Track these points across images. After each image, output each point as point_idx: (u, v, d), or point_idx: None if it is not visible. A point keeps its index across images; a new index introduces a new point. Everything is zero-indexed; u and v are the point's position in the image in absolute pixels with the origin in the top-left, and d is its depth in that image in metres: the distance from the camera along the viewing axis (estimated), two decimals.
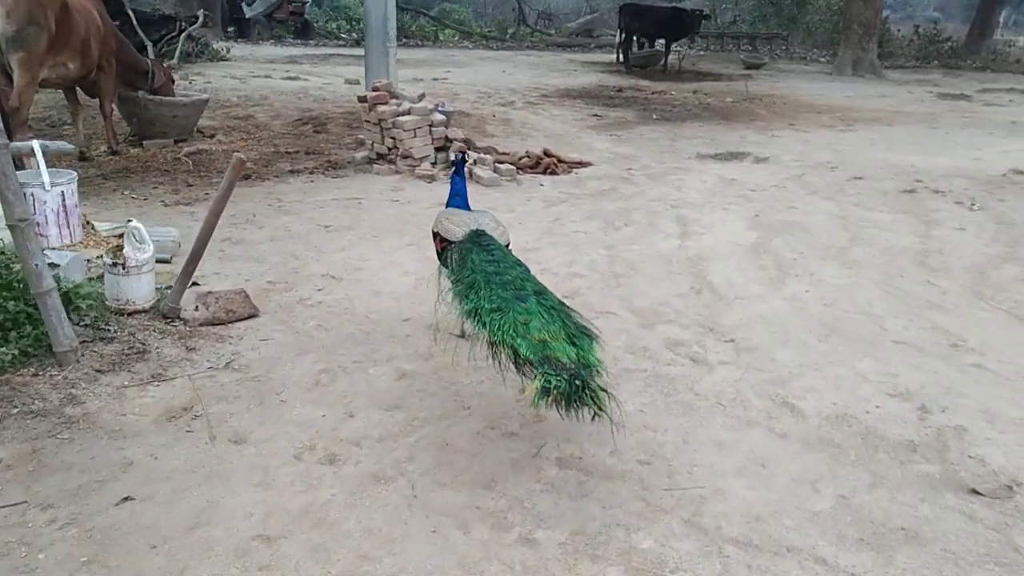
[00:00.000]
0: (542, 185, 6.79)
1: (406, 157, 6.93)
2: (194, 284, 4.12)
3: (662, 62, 17.25)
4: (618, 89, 13.93)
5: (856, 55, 18.21)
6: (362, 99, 7.11)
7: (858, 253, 5.04)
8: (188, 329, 3.58)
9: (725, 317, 3.98)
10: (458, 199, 3.73)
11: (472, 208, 3.71)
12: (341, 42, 23.91)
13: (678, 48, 18.59)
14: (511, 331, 2.56)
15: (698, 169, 7.53)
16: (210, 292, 3.83)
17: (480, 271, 2.93)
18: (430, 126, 6.98)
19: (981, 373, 3.44)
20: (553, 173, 7.16)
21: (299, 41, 23.50)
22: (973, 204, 6.16)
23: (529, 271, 3.05)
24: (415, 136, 6.89)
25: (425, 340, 3.61)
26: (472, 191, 6.15)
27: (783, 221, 5.72)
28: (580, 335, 2.62)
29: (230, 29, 24.62)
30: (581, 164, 7.57)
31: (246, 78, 13.05)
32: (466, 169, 6.75)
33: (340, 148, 8.04)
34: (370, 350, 3.49)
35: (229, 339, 3.54)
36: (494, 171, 7.00)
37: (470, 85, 13.68)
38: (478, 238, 3.22)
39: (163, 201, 5.93)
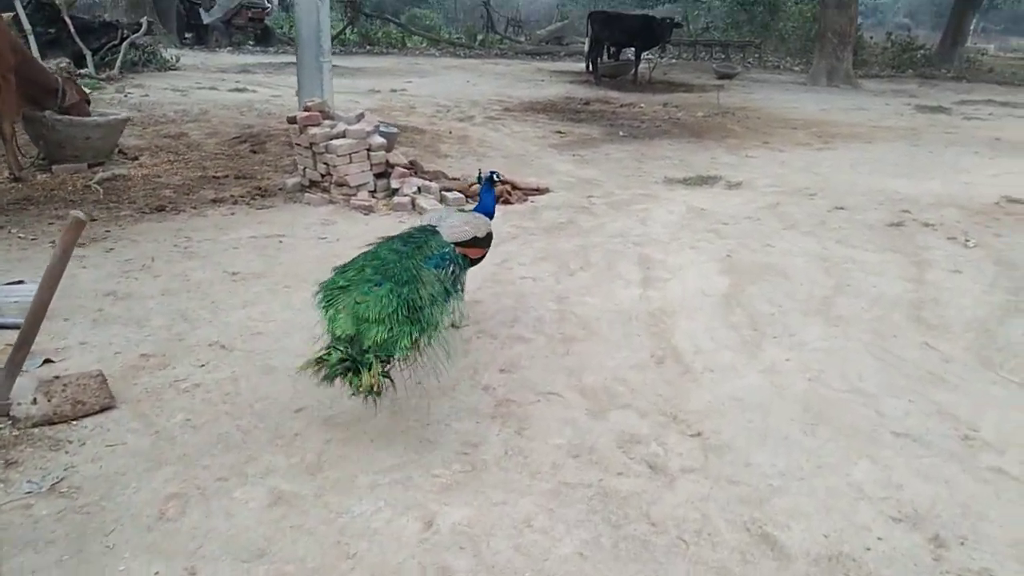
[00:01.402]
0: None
1: (341, 185, 6.20)
2: (47, 362, 3.38)
3: (632, 72, 16.67)
4: (585, 102, 13.30)
5: (831, 65, 17.76)
6: (292, 120, 6.37)
7: (844, 305, 4.40)
8: (15, 433, 2.83)
9: (692, 398, 3.30)
10: (480, 206, 4.03)
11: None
12: None
13: (649, 57, 18.04)
14: (338, 309, 2.86)
15: (665, 196, 6.88)
16: (57, 377, 3.08)
17: (371, 254, 3.24)
18: (368, 150, 6.26)
19: (1003, 481, 2.79)
20: (506, 202, 6.47)
21: (258, 48, 22.67)
22: (968, 240, 5.55)
23: (427, 261, 3.22)
24: (351, 162, 6.17)
25: (318, 441, 2.89)
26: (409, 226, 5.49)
27: (758, 263, 5.07)
28: (406, 322, 2.81)
29: (187, 36, 23.73)
30: (538, 191, 6.88)
31: (189, 90, 12.23)
32: (409, 199, 6.08)
33: (275, 171, 7.30)
34: (244, 459, 2.77)
35: (67, 445, 2.80)
36: (440, 200, 6.30)
37: (430, 97, 12.97)
38: (414, 231, 3.53)
39: (53, 241, 5.15)
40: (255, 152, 8.25)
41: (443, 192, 6.37)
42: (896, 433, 3.08)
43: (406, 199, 6.13)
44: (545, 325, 4.03)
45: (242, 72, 15.72)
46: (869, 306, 4.40)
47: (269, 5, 25.85)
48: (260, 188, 6.69)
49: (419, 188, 6.32)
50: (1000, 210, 6.37)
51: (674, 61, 23.02)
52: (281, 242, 5.27)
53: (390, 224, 5.77)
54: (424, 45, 25.80)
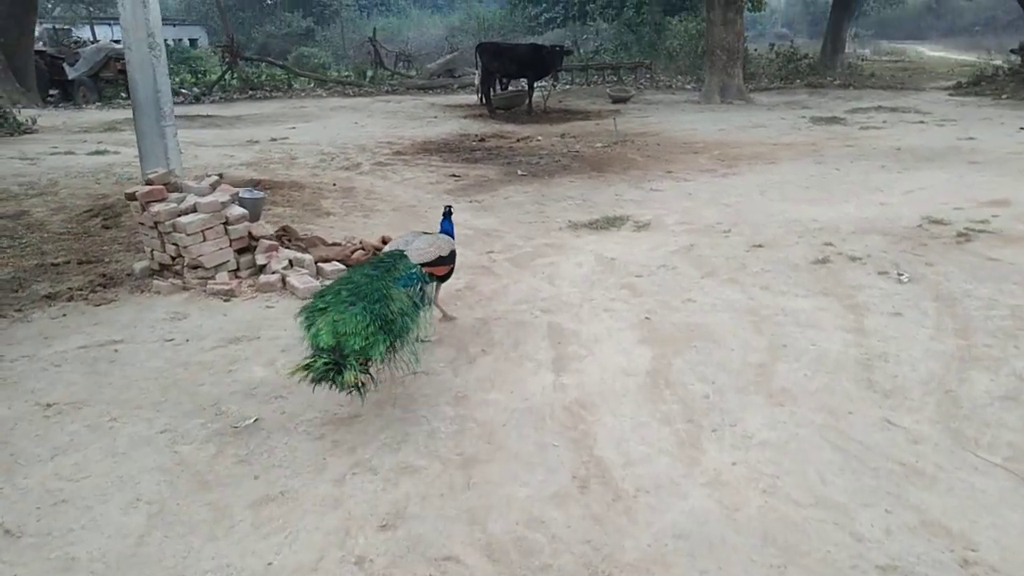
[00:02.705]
0: None
1: (195, 268, 5.30)
2: None
3: (526, 102, 16.19)
4: (480, 139, 12.69)
5: (722, 81, 17.79)
6: (131, 196, 5.44)
7: (784, 374, 3.80)
8: None
9: (627, 543, 2.59)
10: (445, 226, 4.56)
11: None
12: (179, 99, 21.75)
13: (542, 85, 17.64)
14: (320, 325, 3.27)
15: (572, 245, 6.24)
16: None
17: (345, 280, 3.66)
18: (225, 224, 5.39)
19: None
20: None
21: (129, 102, 21.19)
22: (901, 275, 5.10)
23: (399, 284, 3.63)
24: (204, 240, 5.28)
25: None
26: (279, 313, 4.70)
27: (681, 325, 4.45)
28: (384, 328, 3.31)
29: (52, 93, 22.11)
30: None
31: (41, 157, 11.00)
32: (279, 277, 5.25)
33: (128, 251, 6.33)
34: None
35: None
36: (317, 275, 5.48)
37: (313, 145, 12.11)
38: (384, 256, 3.96)
39: None
40: (107, 228, 7.23)
41: (319, 264, 5.55)
42: (882, 567, 2.44)
43: (274, 277, 5.28)
44: (440, 443, 3.26)
45: (107, 130, 14.48)
46: (812, 372, 3.82)
47: None
48: (105, 276, 5.71)
49: (290, 262, 5.47)
50: (924, 233, 5.99)
51: (568, 87, 22.80)
52: (117, 351, 4.33)
53: (255, 310, 4.91)
54: (311, 86, 24.83)
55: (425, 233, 4.31)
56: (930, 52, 40.43)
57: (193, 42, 46.47)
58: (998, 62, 21.01)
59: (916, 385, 3.67)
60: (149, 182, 5.47)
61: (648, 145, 11.33)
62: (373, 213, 7.64)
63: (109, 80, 21.80)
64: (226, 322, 4.74)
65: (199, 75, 25.97)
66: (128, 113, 18.39)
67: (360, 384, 3.18)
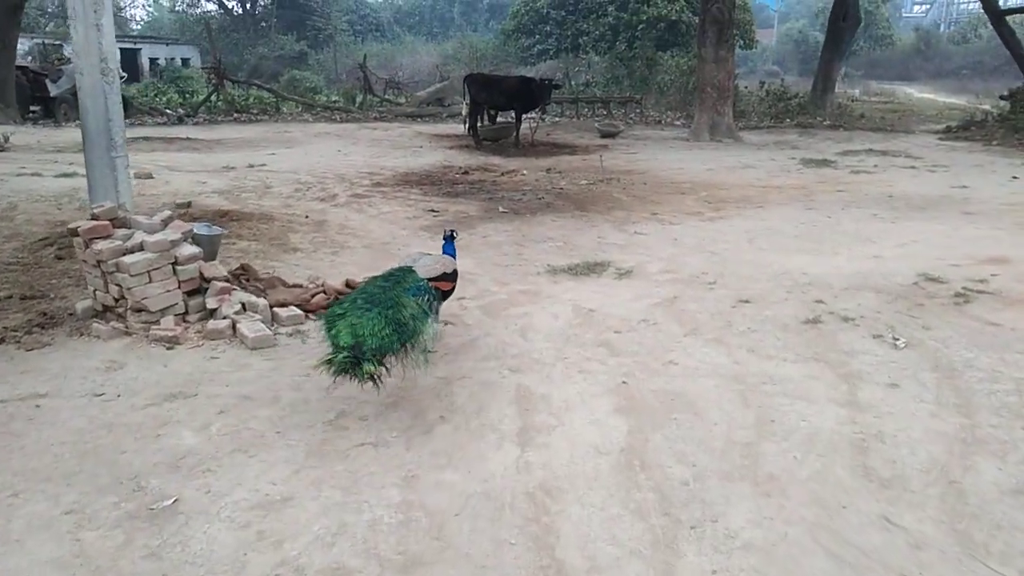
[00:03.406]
0: None
1: (139, 311, 4.90)
2: None
3: (513, 135, 15.94)
4: (464, 171, 12.37)
5: (712, 119, 17.62)
6: (73, 232, 5.05)
7: (772, 456, 3.43)
8: None
9: None
10: (447, 249, 4.84)
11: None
12: (163, 120, 21.45)
13: (531, 117, 17.41)
14: (340, 326, 3.65)
15: (549, 293, 5.88)
16: None
17: (360, 290, 4.14)
18: (174, 264, 5.00)
19: None
20: None
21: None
22: (897, 339, 4.76)
23: (409, 293, 3.98)
24: (150, 281, 4.88)
25: None
26: (223, 365, 4.30)
27: (661, 392, 4.08)
28: (398, 331, 3.70)
29: (33, 109, 21.77)
30: None
31: (5, 178, 10.59)
32: (229, 323, 4.86)
33: (77, 285, 5.92)
34: None
35: None
36: (271, 320, 5.09)
37: (291, 173, 11.76)
38: (395, 270, 4.29)
39: None
40: (60, 259, 6.81)
41: (275, 309, 5.16)
42: None
43: (224, 323, 4.89)
44: (382, 537, 2.86)
45: (80, 151, 14.06)
46: (803, 454, 3.45)
47: (124, 74, 24.10)
48: (46, 315, 5.31)
49: (243, 306, 5.08)
50: (920, 292, 5.67)
51: (557, 119, 22.62)
52: (38, 407, 3.92)
53: (198, 361, 4.51)
54: (299, 110, 24.55)
55: (429, 254, 4.69)
56: (918, 94, 40.67)
57: (185, 61, 46.23)
58: (987, 107, 20.96)
59: (916, 473, 3.30)
60: (94, 216, 5.08)
61: (634, 184, 11.04)
62: (343, 250, 7.27)
63: None
64: (165, 374, 4.34)
65: (187, 95, 25.69)
66: None
67: (376, 376, 3.55)
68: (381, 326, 3.65)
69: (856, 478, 3.27)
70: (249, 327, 4.81)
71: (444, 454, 3.46)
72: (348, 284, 5.64)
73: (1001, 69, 45.78)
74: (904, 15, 75.19)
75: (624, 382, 4.21)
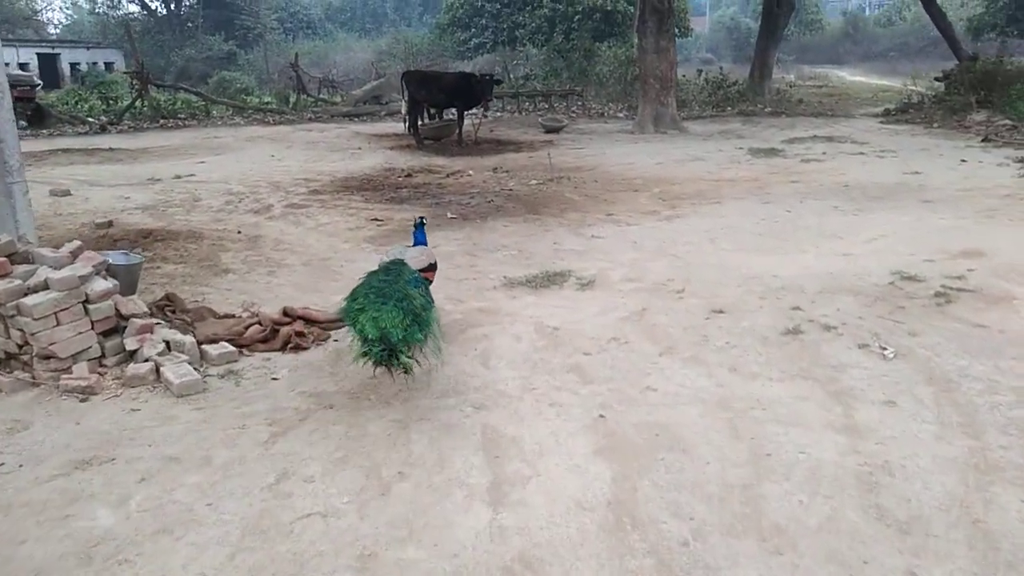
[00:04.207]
0: (275, 379, 4.40)
1: (47, 358, 4.30)
2: None
3: (456, 133, 15.43)
4: (407, 174, 11.84)
5: (656, 110, 17.40)
6: None
7: (777, 502, 3.05)
8: None
9: None
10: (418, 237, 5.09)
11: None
12: (84, 129, 20.30)
13: (474, 113, 16.93)
14: (363, 320, 3.83)
15: (508, 310, 5.44)
16: None
17: (367, 285, 4.19)
18: (85, 302, 4.40)
19: None
20: (298, 348, 4.79)
21: (28, 132, 19.63)
22: (884, 349, 4.45)
23: (411, 285, 4.16)
24: (58, 324, 4.28)
25: None
26: (145, 418, 3.76)
27: (643, 426, 3.68)
28: (416, 322, 3.85)
29: None
30: (343, 321, 5.23)
31: None
32: (151, 366, 4.30)
33: None
34: None
35: None
36: (200, 359, 4.53)
37: (221, 183, 11.07)
38: (390, 264, 4.49)
39: None
40: None
41: (203, 346, 4.61)
42: None
43: (146, 367, 4.32)
44: None
45: None
46: (808, 497, 3.08)
47: (40, 82, 22.82)
48: None
49: (167, 345, 4.51)
50: (899, 293, 5.40)
51: (500, 114, 22.17)
52: None
53: (117, 415, 3.94)
54: (229, 113, 23.56)
55: (409, 247, 4.93)
56: (850, 77, 41.40)
57: (109, 66, 44.35)
58: (921, 89, 21.25)
59: (935, 513, 2.96)
60: None
61: (585, 182, 10.66)
62: (280, 269, 6.70)
63: None
64: (76, 434, 3.76)
65: (110, 102, 24.44)
66: (26, 145, 16.92)
67: (410, 367, 3.81)
68: (400, 317, 3.79)
69: (871, 523, 2.91)
70: (174, 371, 4.25)
71: (404, 522, 2.99)
72: (285, 312, 5.11)
73: (926, 50, 47.01)
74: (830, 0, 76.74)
75: (601, 415, 3.79)
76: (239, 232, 7.98)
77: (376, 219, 8.63)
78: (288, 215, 8.89)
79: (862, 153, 12.60)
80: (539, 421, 3.77)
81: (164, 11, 49.36)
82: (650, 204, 9.05)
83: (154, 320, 4.69)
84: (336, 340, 4.94)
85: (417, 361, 3.86)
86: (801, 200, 8.78)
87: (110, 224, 8.28)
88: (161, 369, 4.31)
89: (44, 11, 53.28)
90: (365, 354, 3.77)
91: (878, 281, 5.65)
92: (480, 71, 19.56)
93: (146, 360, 4.42)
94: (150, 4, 49.53)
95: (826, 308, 5.15)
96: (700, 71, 29.52)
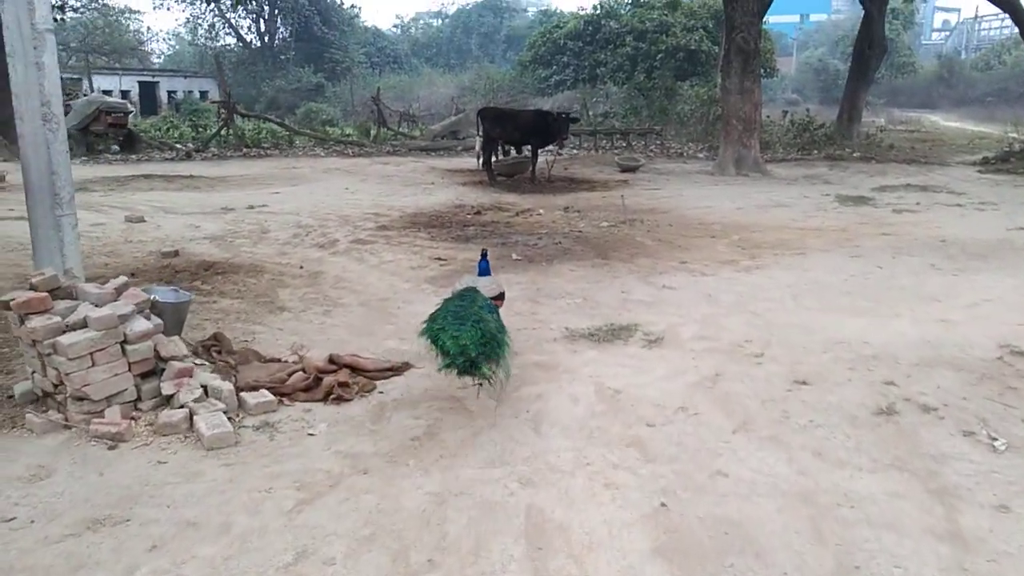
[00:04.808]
0: (311, 434, 4.11)
1: (80, 399, 4.12)
2: None
3: (529, 170, 15.21)
4: (476, 211, 11.61)
5: (738, 152, 16.82)
6: (5, 305, 4.30)
7: None
8: None
9: None
10: (482, 266, 5.22)
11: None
12: (172, 155, 20.96)
13: (549, 150, 16.68)
14: (444, 338, 4.17)
15: (567, 366, 5.05)
16: None
17: (446, 310, 4.48)
18: (123, 342, 4.23)
19: None
20: (340, 399, 4.50)
21: (119, 157, 20.41)
22: (995, 439, 3.88)
23: (485, 310, 4.46)
24: (93, 364, 4.11)
25: None
26: (171, 472, 3.50)
27: (711, 520, 3.22)
28: (492, 342, 4.18)
29: None
30: (393, 370, 4.95)
31: None
32: (185, 415, 4.08)
33: (21, 358, 5.15)
34: None
35: None
36: (238, 407, 4.29)
37: (292, 215, 11.07)
38: (464, 291, 4.75)
39: None
40: (24, 320, 6.06)
41: (242, 394, 4.36)
42: None
43: (179, 415, 4.09)
44: None
45: (78, 190, 13.47)
46: None
47: (132, 109, 23.77)
48: None
49: (205, 390, 4.29)
50: (1008, 370, 4.78)
51: (575, 151, 21.92)
52: None
53: (142, 467, 3.71)
54: (311, 144, 24.02)
55: (478, 276, 5.11)
56: (944, 122, 39.77)
57: (204, 94, 46.29)
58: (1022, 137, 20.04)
59: None
60: (32, 287, 4.33)
61: (659, 225, 10.22)
62: (336, 308, 6.48)
63: (99, 134, 21.04)
64: (98, 487, 3.54)
65: (199, 129, 25.28)
66: (115, 169, 17.59)
67: (489, 379, 4.13)
68: (478, 337, 4.12)
69: None
70: (207, 421, 4.01)
71: None
72: (332, 360, 4.85)
73: None
74: (923, 42, 74.50)
75: (663, 504, 3.35)
76: (301, 267, 7.84)
77: (440, 258, 8.38)
78: (352, 251, 8.74)
79: (960, 205, 11.76)
80: (591, 505, 3.36)
81: (258, 43, 51.33)
82: (728, 252, 8.54)
83: (193, 364, 4.48)
84: (381, 392, 4.64)
85: (493, 376, 4.13)
86: (893, 255, 8.13)
87: (176, 254, 8.27)
88: (195, 417, 4.08)
89: (148, 41, 56.03)
90: (448, 365, 4.09)
91: (983, 355, 5.04)
92: (557, 109, 19.38)
93: (181, 406, 4.19)
94: (245, 37, 51.61)
95: (924, 384, 4.58)
96: (785, 112, 28.74)
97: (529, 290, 7.06)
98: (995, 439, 3.88)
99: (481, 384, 4.17)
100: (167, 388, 4.29)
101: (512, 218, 11.11)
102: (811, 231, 9.74)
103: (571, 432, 4.08)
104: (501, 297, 4.99)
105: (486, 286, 4.85)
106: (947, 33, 78.62)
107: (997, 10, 27.89)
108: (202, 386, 4.34)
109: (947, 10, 78.38)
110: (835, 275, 7.33)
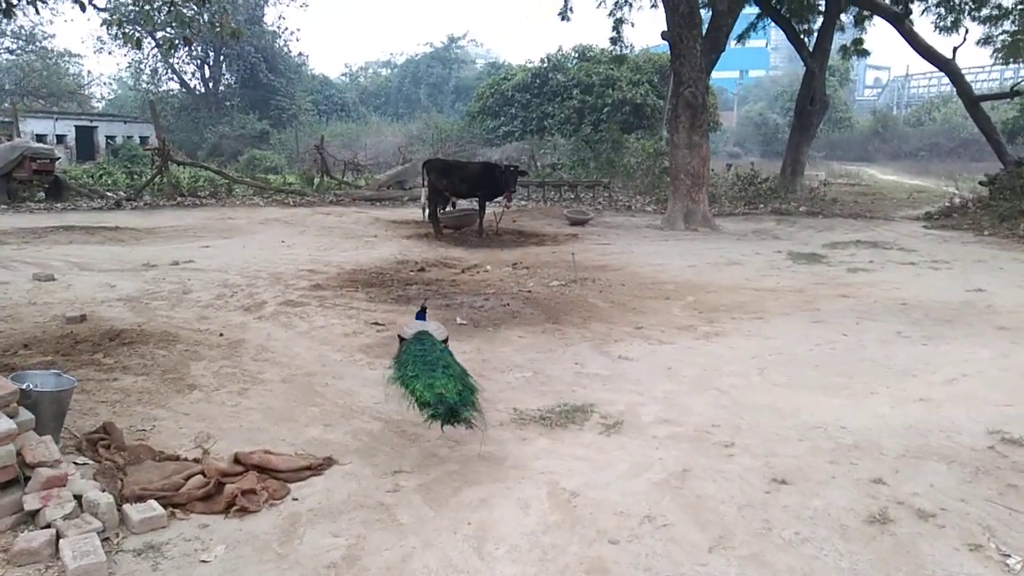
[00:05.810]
0: (204, 561, 3.37)
1: None
2: None
3: (477, 223, 14.70)
4: (420, 267, 11.00)
5: (686, 207, 16.63)
6: None
7: None
8: None
9: None
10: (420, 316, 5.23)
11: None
12: (101, 203, 19.92)
13: (497, 202, 16.20)
14: (419, 387, 4.15)
15: (516, 460, 4.41)
16: None
17: (411, 354, 4.47)
18: None
19: None
20: (244, 510, 3.78)
21: (43, 205, 19.31)
22: (1007, 555, 3.36)
23: (446, 354, 4.56)
24: None
25: None
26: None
27: None
28: (465, 388, 4.22)
29: None
30: (311, 469, 4.24)
31: None
32: (50, 537, 3.29)
33: None
34: None
35: None
36: (118, 525, 3.54)
37: (219, 272, 10.30)
38: (420, 335, 4.71)
39: None
40: None
41: (123, 507, 3.62)
42: None
43: (43, 538, 3.32)
44: None
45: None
46: None
47: (60, 156, 22.66)
48: None
49: (79, 503, 3.54)
50: (1004, 463, 4.31)
51: (524, 203, 21.54)
52: None
53: None
54: (250, 193, 23.17)
55: (417, 320, 5.10)
56: (881, 175, 40.74)
57: (144, 139, 44.90)
58: (965, 193, 20.36)
59: None
60: None
61: (611, 285, 9.73)
62: (254, 386, 5.76)
63: (23, 181, 19.90)
64: None
65: (134, 176, 24.20)
66: (36, 219, 16.53)
67: (471, 423, 4.13)
68: (453, 384, 4.15)
69: None
70: (75, 547, 3.25)
71: None
72: (237, 460, 4.13)
73: (956, 151, 46.53)
74: (857, 98, 77.15)
75: None
76: (221, 335, 7.09)
77: (377, 323, 7.72)
78: (281, 314, 8.01)
79: (913, 263, 11.59)
80: None
81: (203, 89, 50.36)
82: (684, 316, 8.07)
83: (69, 469, 3.73)
84: (296, 499, 3.94)
85: (475, 422, 4.14)
86: (857, 320, 7.74)
87: (82, 319, 7.45)
88: (61, 542, 3.32)
89: (89, 86, 54.50)
90: (432, 416, 4.08)
91: (973, 443, 4.57)
92: (505, 160, 19.02)
93: (47, 525, 3.43)
94: (189, 82, 50.60)
95: (916, 482, 4.06)
96: (729, 165, 28.91)
97: (475, 360, 6.40)
98: (1007, 555, 3.36)
99: (470, 424, 4.13)
100: (31, 502, 3.53)
101: (458, 275, 10.52)
102: (768, 292, 9.37)
103: (520, 553, 3.44)
104: (446, 342, 4.91)
105: (437, 330, 4.86)
106: (879, 90, 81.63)
107: (926, 69, 28.78)
108: (76, 497, 3.59)
109: (878, 68, 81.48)
110: (800, 344, 6.88)
